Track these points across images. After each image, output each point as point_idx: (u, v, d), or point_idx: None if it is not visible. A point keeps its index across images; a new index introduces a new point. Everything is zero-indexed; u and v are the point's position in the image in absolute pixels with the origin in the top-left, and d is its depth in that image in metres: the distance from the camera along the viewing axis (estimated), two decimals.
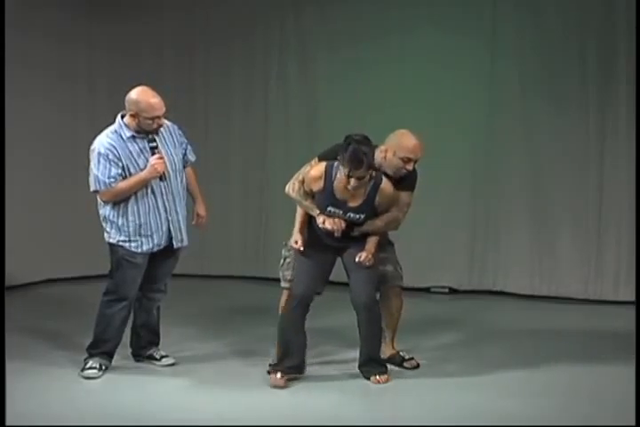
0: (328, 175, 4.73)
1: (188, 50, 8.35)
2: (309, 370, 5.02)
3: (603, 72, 7.10)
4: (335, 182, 4.71)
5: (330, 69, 7.82)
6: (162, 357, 5.23)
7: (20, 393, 4.54)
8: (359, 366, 4.93)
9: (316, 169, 4.79)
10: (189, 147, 5.19)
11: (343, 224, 4.71)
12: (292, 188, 4.88)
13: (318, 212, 4.75)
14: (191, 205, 5.24)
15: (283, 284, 5.10)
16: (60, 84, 7.96)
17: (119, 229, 4.91)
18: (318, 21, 7.87)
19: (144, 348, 5.25)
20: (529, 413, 4.36)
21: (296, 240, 4.87)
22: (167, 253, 5.06)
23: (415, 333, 5.97)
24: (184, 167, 5.13)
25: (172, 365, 5.19)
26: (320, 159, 4.91)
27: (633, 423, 3.98)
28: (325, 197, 4.72)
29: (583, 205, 7.25)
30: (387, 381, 4.86)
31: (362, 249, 4.80)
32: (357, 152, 4.56)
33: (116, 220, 4.90)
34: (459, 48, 7.41)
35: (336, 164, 4.71)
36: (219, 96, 8.29)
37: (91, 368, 4.93)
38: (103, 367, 4.96)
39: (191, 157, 5.21)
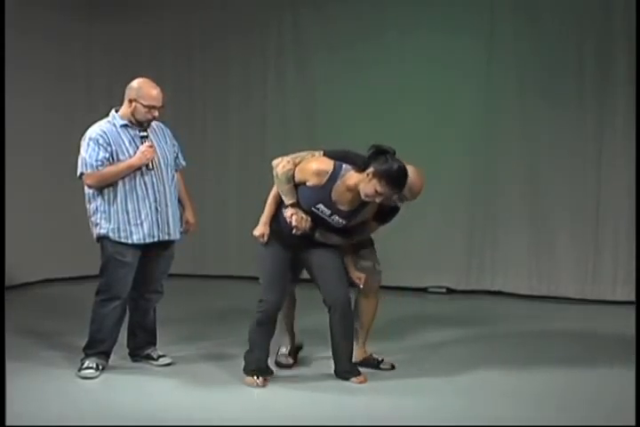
0: (334, 174, 4.61)
1: (186, 50, 8.37)
2: (307, 370, 5.04)
3: (600, 72, 7.12)
4: (338, 183, 4.61)
5: (328, 70, 7.84)
6: (159, 356, 5.22)
7: (18, 393, 4.53)
8: (338, 370, 4.86)
9: (325, 164, 4.63)
10: (180, 152, 5.21)
11: (309, 225, 4.65)
12: (282, 164, 4.68)
13: (293, 202, 4.65)
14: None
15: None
16: (58, 84, 7.98)
17: (109, 218, 4.89)
18: (316, 22, 7.90)
19: (141, 348, 5.25)
20: (527, 413, 4.35)
21: (262, 233, 4.76)
22: (159, 250, 5.05)
23: (412, 333, 6.00)
24: (176, 171, 5.15)
25: (170, 364, 5.18)
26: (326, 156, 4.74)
27: (633, 424, 3.96)
28: (320, 194, 4.62)
29: (581, 205, 7.26)
30: (366, 380, 4.84)
31: (323, 247, 4.76)
32: (406, 174, 4.50)
33: (105, 208, 4.89)
34: (457, 49, 7.43)
35: (344, 165, 4.62)
36: (217, 97, 8.31)
37: (87, 368, 4.92)
38: (100, 367, 4.95)
39: (183, 162, 5.23)
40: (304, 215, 4.65)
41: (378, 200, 4.58)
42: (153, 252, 5.03)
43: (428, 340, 5.84)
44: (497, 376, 5.00)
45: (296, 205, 4.66)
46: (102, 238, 4.95)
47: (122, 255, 4.92)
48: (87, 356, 4.99)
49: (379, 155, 4.53)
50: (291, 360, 5.14)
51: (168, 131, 5.15)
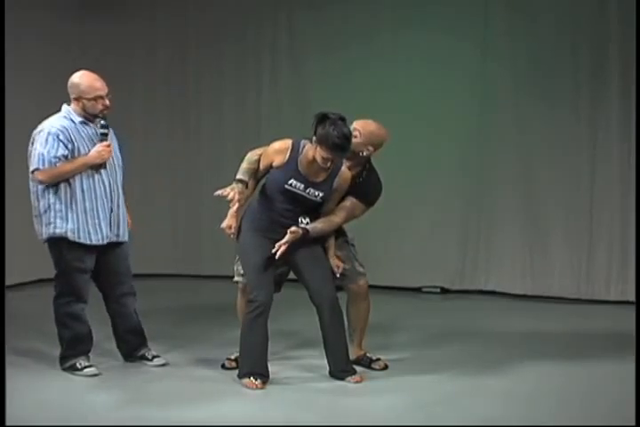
0: (294, 149, 4.72)
1: (180, 50, 8.35)
2: (303, 370, 5.05)
3: (595, 71, 7.12)
4: (300, 157, 4.71)
5: (323, 70, 7.83)
6: (153, 357, 5.21)
7: (17, 394, 4.51)
8: (333, 370, 4.86)
9: (282, 142, 4.78)
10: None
11: (237, 197, 4.62)
12: (251, 152, 4.85)
13: (241, 178, 4.70)
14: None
15: (236, 278, 5.08)
16: (52, 84, 7.93)
17: (66, 218, 4.79)
18: (311, 22, 7.88)
19: (135, 350, 5.23)
20: (523, 413, 4.36)
21: (229, 225, 4.76)
22: (112, 251, 4.99)
23: (406, 332, 6.01)
24: None
25: (164, 365, 5.18)
26: None
27: (633, 424, 3.96)
28: (288, 171, 4.70)
29: (575, 205, 7.27)
30: (362, 379, 4.84)
31: (307, 245, 4.76)
32: (345, 137, 4.56)
33: (61, 207, 4.80)
34: (451, 48, 7.43)
35: (303, 141, 4.72)
36: (212, 97, 8.29)
37: (84, 368, 4.93)
38: (91, 365, 4.96)
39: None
40: (237, 191, 4.65)
41: (329, 164, 4.61)
42: (107, 254, 4.98)
43: (422, 339, 5.85)
44: (492, 376, 5.01)
45: (243, 183, 4.70)
46: (56, 240, 4.86)
47: (81, 261, 4.87)
48: (73, 356, 4.97)
49: (321, 122, 4.61)
50: (234, 364, 5.05)
51: (112, 132, 5.05)
